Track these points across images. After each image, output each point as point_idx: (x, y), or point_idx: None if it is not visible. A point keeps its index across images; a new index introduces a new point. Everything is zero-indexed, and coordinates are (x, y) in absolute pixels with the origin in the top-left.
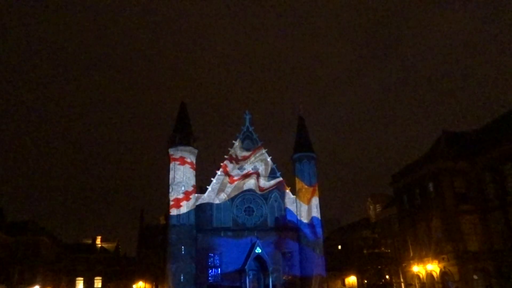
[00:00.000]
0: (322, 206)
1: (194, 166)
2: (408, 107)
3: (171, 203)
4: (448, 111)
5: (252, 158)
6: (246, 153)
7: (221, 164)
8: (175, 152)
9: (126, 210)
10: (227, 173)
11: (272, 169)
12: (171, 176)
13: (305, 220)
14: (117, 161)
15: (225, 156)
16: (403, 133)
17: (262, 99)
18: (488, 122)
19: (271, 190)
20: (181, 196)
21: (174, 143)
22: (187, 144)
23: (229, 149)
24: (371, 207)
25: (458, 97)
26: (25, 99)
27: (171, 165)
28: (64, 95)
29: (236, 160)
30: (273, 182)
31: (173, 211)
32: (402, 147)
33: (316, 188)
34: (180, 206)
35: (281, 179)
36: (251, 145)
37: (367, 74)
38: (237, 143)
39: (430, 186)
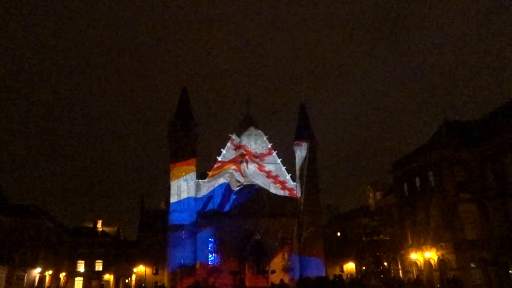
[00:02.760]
0: (322, 193)
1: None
2: (410, 96)
3: (174, 189)
4: (450, 100)
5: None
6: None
7: (221, 150)
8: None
9: (127, 195)
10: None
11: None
12: (171, 162)
13: (304, 206)
14: (119, 146)
15: (228, 144)
16: (405, 121)
17: (264, 86)
18: (489, 112)
19: (271, 175)
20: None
21: (175, 129)
22: (188, 130)
23: (230, 135)
24: (371, 194)
25: (460, 86)
26: (25, 82)
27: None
28: (67, 80)
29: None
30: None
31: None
32: (403, 135)
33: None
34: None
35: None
36: (251, 131)
37: (370, 62)
38: (235, 137)
39: (430, 174)
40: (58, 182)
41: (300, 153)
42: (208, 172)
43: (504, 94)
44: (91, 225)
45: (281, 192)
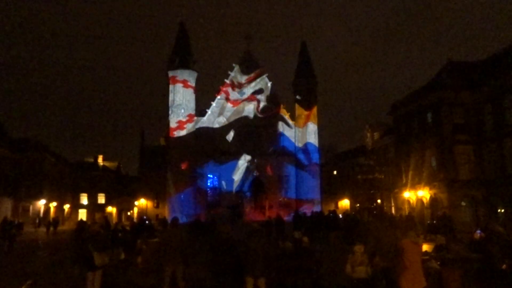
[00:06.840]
0: (320, 132)
1: (194, 88)
2: (415, 35)
3: (173, 125)
4: (454, 40)
5: (253, 84)
6: (246, 77)
7: (221, 88)
8: (174, 74)
9: (127, 130)
10: (227, 98)
11: (272, 95)
12: (170, 98)
13: (302, 145)
14: (118, 82)
15: (226, 80)
16: (407, 62)
17: (264, 22)
18: (493, 53)
19: (270, 115)
20: (183, 118)
21: (173, 65)
22: (187, 66)
23: (229, 72)
24: (369, 135)
25: (465, 26)
26: (26, 14)
27: (171, 87)
28: (65, 13)
29: (236, 85)
30: (272, 107)
31: (175, 133)
32: (405, 76)
33: (315, 113)
34: (184, 128)
35: (280, 104)
36: (251, 69)
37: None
38: (236, 68)
39: (429, 115)
40: (57, 117)
41: (300, 92)
42: (207, 110)
43: (510, 36)
44: (92, 160)
45: (279, 131)
